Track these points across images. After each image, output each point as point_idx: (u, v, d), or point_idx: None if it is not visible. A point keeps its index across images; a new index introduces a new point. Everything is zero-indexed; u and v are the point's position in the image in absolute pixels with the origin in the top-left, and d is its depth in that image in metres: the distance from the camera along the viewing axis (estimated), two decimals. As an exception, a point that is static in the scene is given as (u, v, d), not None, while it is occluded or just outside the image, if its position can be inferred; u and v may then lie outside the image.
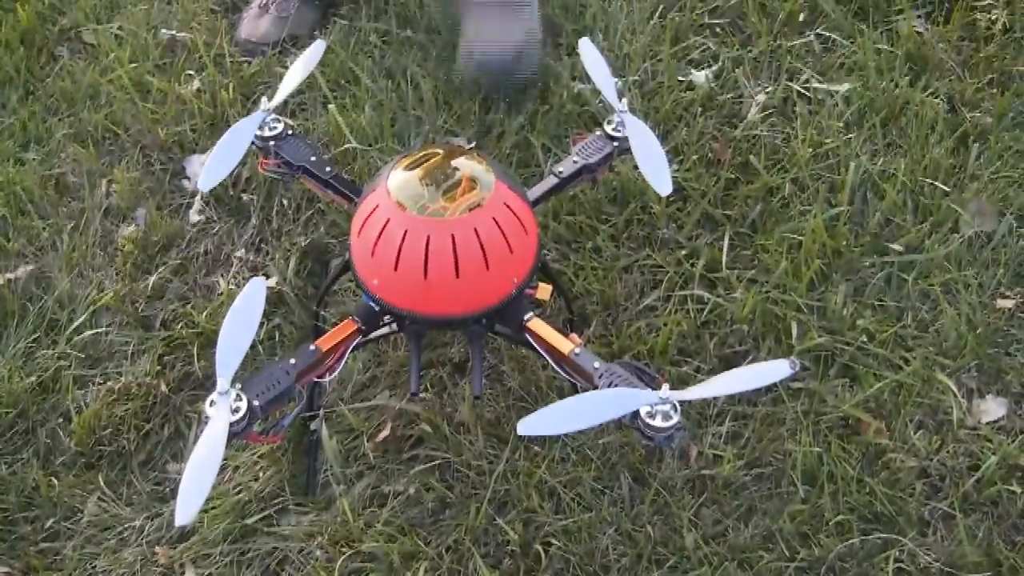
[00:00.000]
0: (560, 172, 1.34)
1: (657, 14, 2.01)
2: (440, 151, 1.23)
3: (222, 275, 1.68)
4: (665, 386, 1.03)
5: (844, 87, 1.89)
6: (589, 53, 1.41)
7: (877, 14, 2.04)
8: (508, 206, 1.19)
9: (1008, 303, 1.61)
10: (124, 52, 1.96)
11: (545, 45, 1.92)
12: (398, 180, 1.19)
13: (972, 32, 2.03)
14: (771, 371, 1.10)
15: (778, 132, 1.83)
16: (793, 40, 1.98)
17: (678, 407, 1.03)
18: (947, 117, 1.85)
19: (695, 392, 1.07)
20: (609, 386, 1.09)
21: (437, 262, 1.14)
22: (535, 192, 1.34)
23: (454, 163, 1.21)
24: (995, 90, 1.92)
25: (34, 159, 1.84)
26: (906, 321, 1.58)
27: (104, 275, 1.67)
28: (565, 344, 1.16)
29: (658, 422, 1.02)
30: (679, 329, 1.55)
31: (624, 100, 1.35)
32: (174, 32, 2.02)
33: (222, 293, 1.63)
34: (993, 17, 2.06)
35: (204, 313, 1.60)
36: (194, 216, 1.75)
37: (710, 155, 1.78)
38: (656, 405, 1.03)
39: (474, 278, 1.16)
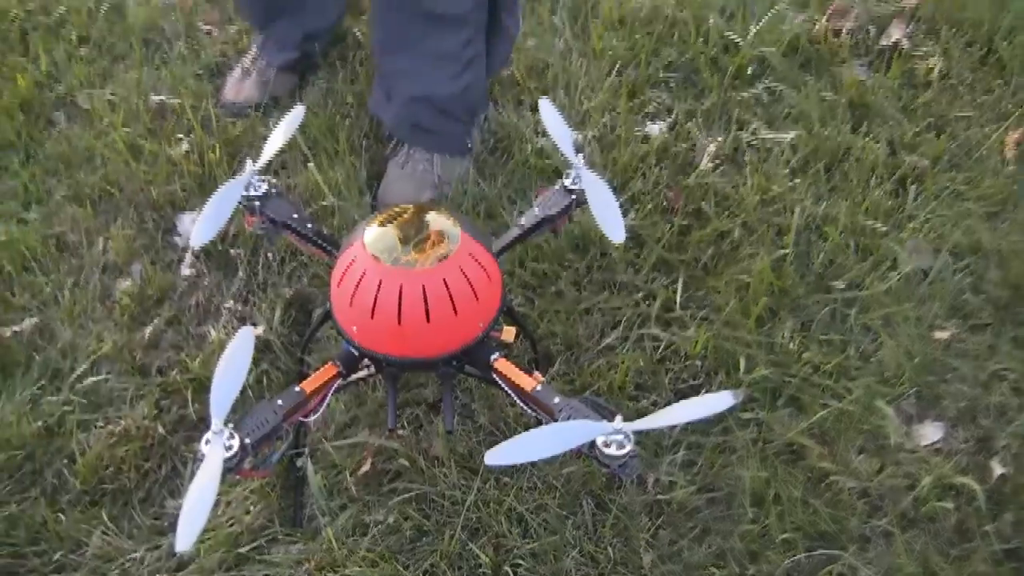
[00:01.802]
0: (522, 224, 1.43)
1: (615, 71, 2.12)
2: (411, 207, 1.33)
3: (213, 325, 1.76)
4: (618, 417, 1.10)
5: (790, 135, 2.00)
6: (548, 112, 1.49)
7: (821, 64, 2.16)
8: (473, 257, 1.27)
9: (944, 334, 1.72)
10: (117, 117, 2.06)
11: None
12: (373, 235, 1.27)
13: (911, 79, 2.15)
14: (716, 402, 1.16)
15: (728, 180, 1.93)
16: (743, 92, 2.09)
17: (631, 436, 1.10)
18: (887, 161, 1.97)
19: (646, 423, 1.13)
20: (568, 419, 1.16)
21: (409, 309, 1.22)
22: (500, 243, 1.42)
23: (424, 218, 1.30)
24: (932, 133, 2.04)
25: (35, 219, 1.93)
26: (849, 353, 1.68)
27: (103, 327, 1.75)
28: (528, 381, 1.24)
29: (613, 451, 1.09)
30: (636, 366, 1.65)
31: (580, 155, 1.43)
32: (163, 97, 2.12)
33: (213, 341, 1.71)
34: (931, 64, 2.17)
35: (197, 360, 1.68)
36: (185, 270, 1.84)
37: (665, 203, 1.89)
38: (611, 435, 1.09)
39: (444, 323, 1.24)
